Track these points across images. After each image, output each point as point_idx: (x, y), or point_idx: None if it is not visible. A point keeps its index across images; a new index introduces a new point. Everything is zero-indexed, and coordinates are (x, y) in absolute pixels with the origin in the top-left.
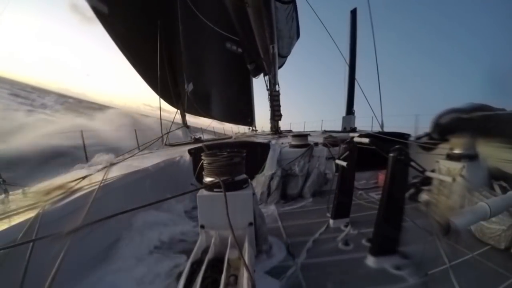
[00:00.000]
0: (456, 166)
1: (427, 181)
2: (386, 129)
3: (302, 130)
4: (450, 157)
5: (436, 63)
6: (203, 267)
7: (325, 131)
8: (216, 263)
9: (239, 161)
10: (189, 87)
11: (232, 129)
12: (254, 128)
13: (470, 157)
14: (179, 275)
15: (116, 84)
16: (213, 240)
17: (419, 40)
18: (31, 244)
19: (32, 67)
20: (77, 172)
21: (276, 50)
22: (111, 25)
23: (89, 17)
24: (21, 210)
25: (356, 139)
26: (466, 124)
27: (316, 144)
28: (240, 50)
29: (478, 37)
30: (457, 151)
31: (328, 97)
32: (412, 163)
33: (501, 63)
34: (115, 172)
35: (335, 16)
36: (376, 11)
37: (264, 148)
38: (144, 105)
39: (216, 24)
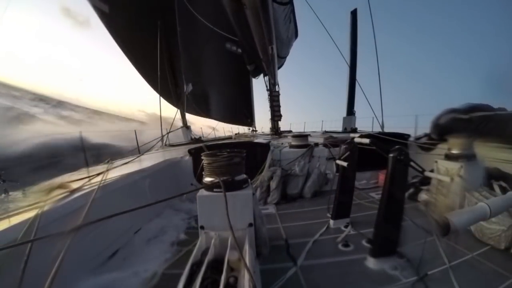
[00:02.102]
0: (454, 166)
1: (427, 181)
2: (386, 130)
3: (302, 130)
4: (448, 157)
5: (436, 63)
6: (203, 268)
7: (326, 132)
8: (216, 265)
9: (239, 161)
10: (188, 88)
11: (232, 130)
12: (254, 128)
13: (468, 157)
14: (180, 277)
15: (110, 90)
16: (212, 241)
17: (420, 40)
18: (30, 244)
19: (26, 70)
20: (77, 172)
21: (275, 51)
22: (112, 24)
23: (81, 21)
24: (21, 210)
25: (357, 140)
26: (465, 124)
27: (317, 144)
28: (240, 50)
29: (478, 36)
30: (455, 151)
31: (328, 97)
32: (412, 163)
33: (502, 62)
34: (115, 172)
35: (335, 15)
36: (376, 11)
37: (264, 148)
38: (139, 111)
39: (215, 25)
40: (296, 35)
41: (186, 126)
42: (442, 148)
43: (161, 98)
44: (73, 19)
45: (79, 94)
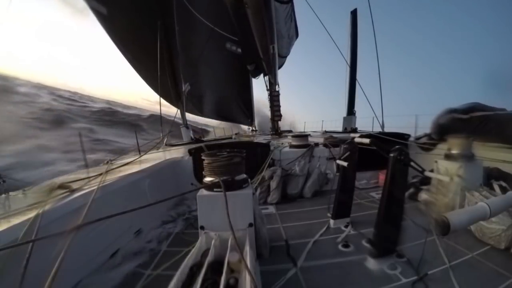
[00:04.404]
0: (453, 166)
1: (427, 180)
2: (386, 129)
3: (302, 130)
4: (448, 157)
5: (437, 63)
6: (203, 270)
7: (326, 132)
8: (216, 266)
9: (239, 161)
10: (186, 87)
11: (232, 129)
12: (254, 128)
13: (467, 157)
14: (179, 278)
15: (113, 78)
16: (213, 242)
17: (421, 40)
18: (31, 244)
19: (28, 61)
20: (77, 172)
21: (276, 50)
22: (110, 26)
23: (80, 9)
24: (21, 210)
25: (357, 140)
26: (465, 124)
27: (317, 144)
28: (240, 50)
29: (479, 36)
30: (454, 151)
31: (328, 97)
32: (412, 163)
33: (502, 62)
34: (116, 172)
35: (336, 16)
36: (376, 11)
37: (264, 148)
38: (143, 99)
39: (216, 24)
40: (296, 35)
41: (186, 126)
42: (442, 148)
43: (161, 98)
44: (72, 7)
45: (82, 83)
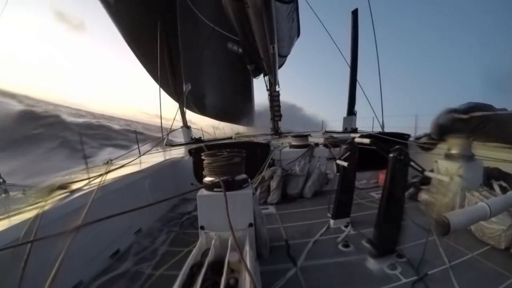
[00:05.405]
0: (453, 166)
1: (426, 180)
2: (386, 129)
3: (302, 130)
4: (448, 157)
5: (437, 63)
6: (203, 270)
7: (326, 132)
8: (217, 266)
9: (239, 161)
10: (187, 87)
11: (232, 130)
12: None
13: (467, 157)
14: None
15: (113, 93)
16: (213, 242)
17: (420, 40)
18: (30, 244)
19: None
20: (77, 172)
21: (276, 50)
22: (116, 14)
23: (76, 25)
24: (21, 210)
25: (357, 140)
26: (465, 124)
27: (317, 144)
28: (241, 50)
29: (479, 36)
30: (454, 151)
31: (329, 97)
32: (412, 163)
33: (503, 62)
34: (116, 173)
35: (336, 16)
36: (376, 11)
37: (264, 148)
38: (142, 113)
39: (217, 24)
40: (298, 34)
41: (186, 126)
42: (442, 148)
43: (161, 98)
44: (68, 24)
45: (82, 99)
